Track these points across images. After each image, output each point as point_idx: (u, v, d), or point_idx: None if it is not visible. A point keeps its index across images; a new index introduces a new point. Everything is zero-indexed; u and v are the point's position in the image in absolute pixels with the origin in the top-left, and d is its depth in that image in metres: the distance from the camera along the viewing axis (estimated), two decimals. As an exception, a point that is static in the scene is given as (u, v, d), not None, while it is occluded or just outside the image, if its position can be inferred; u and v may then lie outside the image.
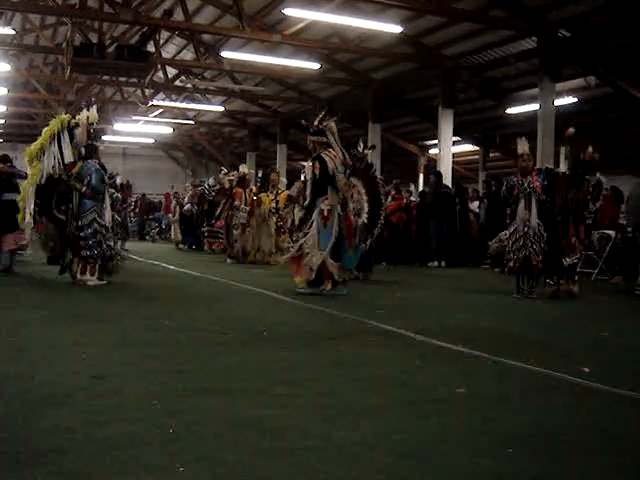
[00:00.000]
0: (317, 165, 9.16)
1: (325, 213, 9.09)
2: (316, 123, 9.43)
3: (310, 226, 9.15)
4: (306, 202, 9.38)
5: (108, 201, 9.66)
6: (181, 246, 21.52)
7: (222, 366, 4.78)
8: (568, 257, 9.32)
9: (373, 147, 13.87)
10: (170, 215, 29.23)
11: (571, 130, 9.81)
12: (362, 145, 11.81)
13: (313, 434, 3.33)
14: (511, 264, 9.37)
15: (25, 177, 10.36)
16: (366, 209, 9.58)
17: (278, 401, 3.90)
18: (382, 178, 11.93)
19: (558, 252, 9.25)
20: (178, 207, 21.90)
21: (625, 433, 3.53)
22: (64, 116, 10.22)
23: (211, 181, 19.58)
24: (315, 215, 9.17)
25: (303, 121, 10.53)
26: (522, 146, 9.57)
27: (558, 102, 16.72)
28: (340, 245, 9.12)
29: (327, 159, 9.13)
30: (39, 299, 8.28)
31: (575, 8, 15.19)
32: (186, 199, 21.69)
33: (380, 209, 9.89)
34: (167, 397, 3.91)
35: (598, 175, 9.98)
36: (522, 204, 9.27)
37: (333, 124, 9.54)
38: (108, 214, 9.62)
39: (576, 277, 9.71)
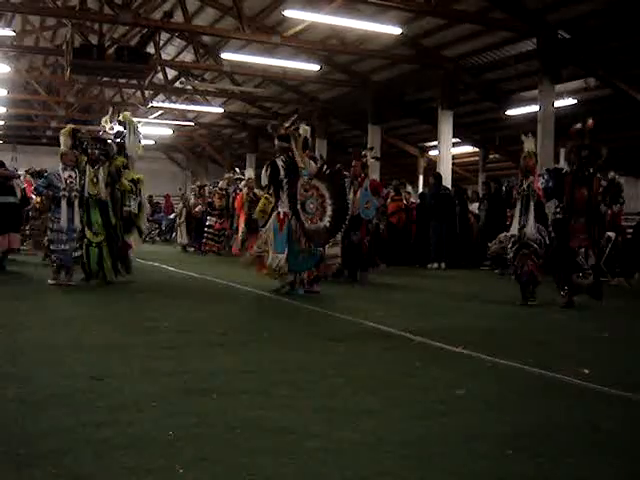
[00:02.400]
0: (268, 170, 9.41)
1: (282, 216, 9.26)
2: (284, 127, 9.57)
3: (266, 226, 9.44)
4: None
5: (64, 206, 9.60)
6: (189, 249, 20.65)
7: (222, 367, 4.78)
8: (585, 257, 8.42)
9: (372, 149, 13.87)
10: (171, 216, 29.31)
11: (590, 122, 8.92)
12: (368, 151, 11.93)
13: (313, 435, 3.33)
14: (512, 272, 9.00)
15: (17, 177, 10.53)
16: (329, 213, 9.43)
17: (278, 402, 3.90)
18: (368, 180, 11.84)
19: (566, 255, 8.50)
20: (185, 209, 21.23)
21: (624, 434, 3.53)
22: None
23: (221, 184, 19.58)
24: (272, 217, 9.38)
25: (269, 127, 10.61)
26: (528, 144, 9.13)
27: (558, 104, 16.73)
28: (291, 247, 9.21)
29: (280, 164, 9.34)
30: (36, 300, 8.27)
31: (575, 10, 15.21)
32: (192, 200, 21.08)
33: (345, 214, 9.70)
34: (167, 398, 3.90)
35: (612, 174, 9.42)
36: (518, 207, 8.83)
37: (305, 129, 9.76)
38: (63, 217, 9.59)
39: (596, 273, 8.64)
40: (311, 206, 9.33)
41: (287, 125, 9.73)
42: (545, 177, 8.98)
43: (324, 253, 9.92)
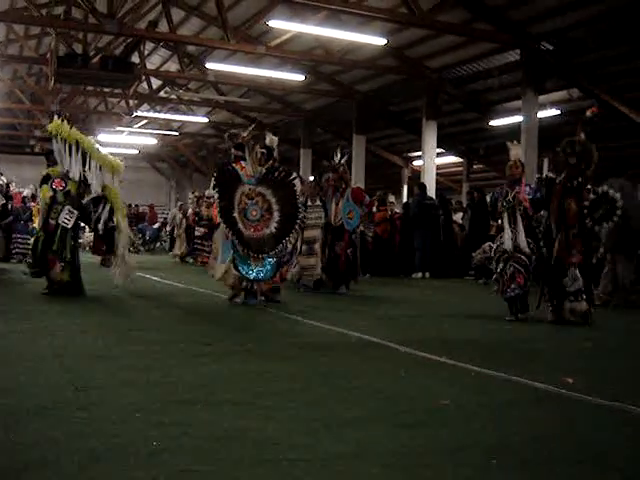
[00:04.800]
0: (214, 177, 9.49)
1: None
2: (241, 136, 9.62)
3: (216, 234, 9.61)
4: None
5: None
6: (187, 259, 20.14)
7: (206, 377, 4.77)
8: (572, 279, 7.97)
9: (347, 153, 13.80)
10: (155, 226, 29.25)
11: (594, 109, 8.63)
12: (339, 155, 11.84)
13: (297, 445, 3.33)
14: (496, 289, 8.49)
15: None
16: (276, 219, 9.35)
17: (262, 412, 3.89)
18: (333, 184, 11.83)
19: (556, 271, 8.09)
20: (184, 219, 20.86)
21: (608, 443, 3.54)
22: None
23: (208, 192, 19.44)
24: (221, 226, 9.41)
25: (226, 135, 10.64)
26: (515, 151, 8.68)
27: (541, 114, 16.86)
28: (239, 255, 9.20)
29: (221, 172, 9.40)
30: (20, 310, 8.22)
31: (558, 21, 15.32)
32: (191, 210, 20.59)
33: (294, 219, 9.59)
34: (150, 409, 3.89)
35: (606, 187, 8.50)
36: (505, 220, 8.34)
37: (272, 139, 9.90)
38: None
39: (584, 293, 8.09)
40: (254, 213, 9.15)
41: (244, 134, 9.73)
42: (533, 187, 8.61)
43: (289, 262, 9.91)
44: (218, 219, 9.45)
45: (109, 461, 3.04)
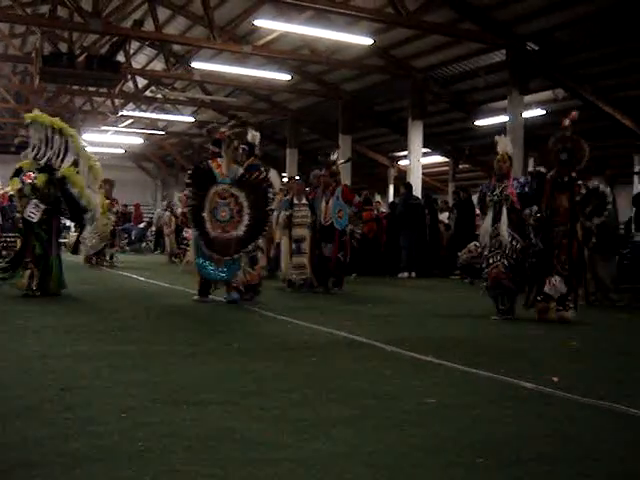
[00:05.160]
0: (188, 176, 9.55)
1: None
2: (219, 132, 9.61)
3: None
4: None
5: None
6: (174, 259, 19.72)
7: (192, 378, 4.76)
8: (555, 277, 7.95)
9: (349, 160, 13.81)
10: (141, 226, 29.13)
11: (574, 114, 8.45)
12: (336, 155, 11.85)
13: (283, 445, 3.32)
14: (484, 285, 8.48)
15: None
16: (245, 222, 9.30)
17: (249, 413, 3.88)
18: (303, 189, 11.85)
19: (541, 270, 8.07)
20: (173, 218, 20.55)
21: (594, 441, 3.55)
22: None
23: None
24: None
25: (205, 130, 10.63)
26: (502, 145, 8.53)
27: (526, 114, 16.93)
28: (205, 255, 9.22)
29: (195, 170, 9.46)
30: (3, 310, 8.19)
31: (543, 22, 15.39)
32: (180, 209, 20.57)
33: (263, 224, 9.53)
34: (136, 409, 3.88)
35: (596, 182, 8.42)
36: (490, 215, 8.30)
37: (254, 135, 9.90)
38: None
39: (570, 300, 8.10)
40: (223, 214, 9.14)
41: (223, 130, 9.68)
42: (521, 181, 8.51)
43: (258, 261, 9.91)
44: (187, 218, 9.48)
45: (94, 462, 3.03)
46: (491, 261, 8.26)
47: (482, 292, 8.65)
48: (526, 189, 8.27)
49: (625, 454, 3.37)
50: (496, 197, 8.28)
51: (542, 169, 8.39)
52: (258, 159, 9.87)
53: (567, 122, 8.32)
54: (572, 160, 8.12)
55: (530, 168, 9.15)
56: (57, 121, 9.65)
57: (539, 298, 8.14)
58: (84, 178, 9.52)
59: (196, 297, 9.58)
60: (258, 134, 10.21)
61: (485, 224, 8.42)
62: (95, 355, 5.47)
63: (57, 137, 9.51)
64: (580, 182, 8.19)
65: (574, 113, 8.34)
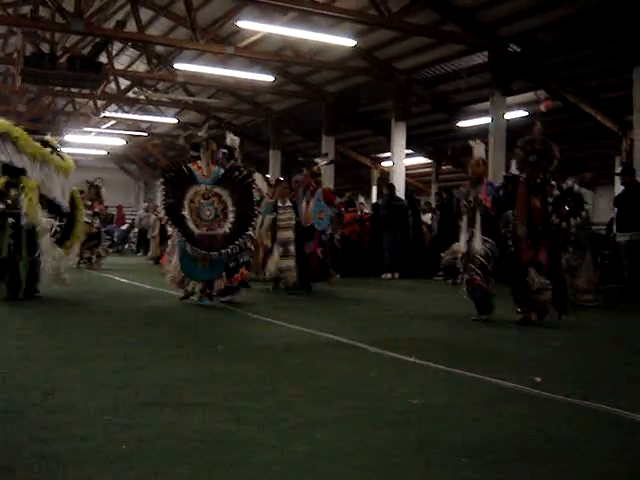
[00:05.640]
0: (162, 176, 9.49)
1: None
2: (199, 134, 9.61)
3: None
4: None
5: None
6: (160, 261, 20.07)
7: (175, 379, 4.74)
8: (533, 280, 7.81)
9: (326, 154, 13.90)
10: (123, 227, 29.02)
11: (548, 103, 8.53)
12: (326, 160, 11.90)
13: (267, 447, 3.32)
14: (464, 288, 8.35)
15: None
16: (230, 220, 9.33)
17: (232, 414, 3.88)
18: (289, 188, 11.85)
19: (520, 271, 7.92)
20: (158, 221, 20.20)
21: (576, 441, 3.57)
22: None
23: None
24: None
25: (182, 136, 10.60)
26: (477, 149, 8.51)
27: (509, 115, 17.02)
28: (186, 255, 9.17)
29: (172, 173, 9.37)
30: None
31: (525, 24, 15.49)
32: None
33: (249, 220, 9.55)
34: (119, 411, 3.86)
35: (571, 182, 8.33)
36: (465, 220, 8.22)
37: (233, 139, 9.97)
38: None
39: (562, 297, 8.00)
40: (207, 213, 9.14)
41: (200, 133, 9.69)
42: (496, 186, 8.42)
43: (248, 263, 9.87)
44: (164, 218, 9.43)
45: (77, 465, 3.01)
46: (467, 267, 8.19)
47: (454, 286, 8.61)
48: (500, 193, 8.18)
49: (608, 454, 3.39)
50: (470, 203, 8.20)
51: (515, 172, 8.29)
52: (238, 162, 9.90)
53: (542, 108, 8.29)
54: (542, 161, 7.98)
55: (512, 170, 9.06)
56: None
57: (519, 310, 8.08)
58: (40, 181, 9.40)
59: (184, 298, 9.56)
60: (237, 138, 10.24)
61: (462, 230, 8.31)
62: (78, 358, 5.45)
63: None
64: (553, 183, 8.07)
65: (548, 102, 8.29)
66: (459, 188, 8.95)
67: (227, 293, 9.51)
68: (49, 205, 9.57)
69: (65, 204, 9.77)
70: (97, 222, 16.70)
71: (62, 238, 9.81)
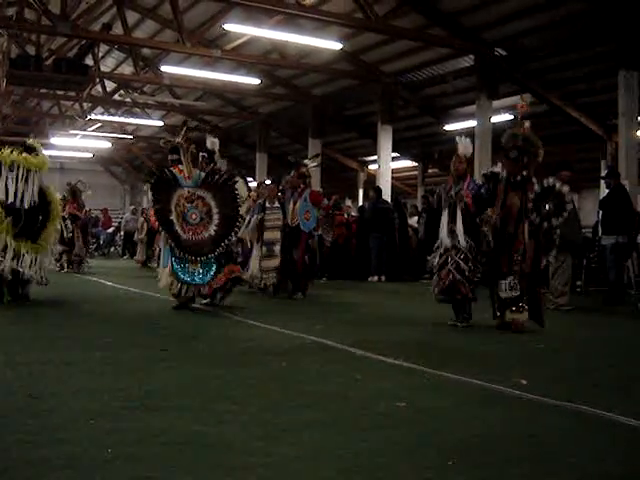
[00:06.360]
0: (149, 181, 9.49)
1: None
2: (177, 140, 9.58)
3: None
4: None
5: None
6: (150, 264, 19.09)
7: (161, 383, 4.73)
8: (505, 279, 7.61)
9: (317, 155, 13.93)
10: (109, 230, 28.91)
11: (523, 106, 8.14)
12: (316, 162, 11.91)
13: (253, 450, 3.32)
14: (435, 290, 8.18)
15: None
16: (215, 222, 9.34)
17: (218, 418, 3.87)
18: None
19: (496, 274, 7.76)
20: (145, 224, 20.09)
21: (561, 443, 3.59)
22: None
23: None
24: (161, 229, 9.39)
25: (161, 142, 10.59)
26: (462, 147, 8.26)
27: (495, 119, 17.06)
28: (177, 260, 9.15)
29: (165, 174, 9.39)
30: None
31: (511, 28, 15.57)
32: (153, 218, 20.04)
33: (234, 221, 9.55)
34: (105, 415, 3.85)
35: (552, 180, 7.98)
36: (445, 216, 8.08)
37: (213, 142, 9.96)
38: None
39: (520, 304, 7.66)
40: (193, 217, 9.17)
41: (178, 139, 9.67)
42: (478, 183, 8.23)
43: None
44: (156, 223, 9.41)
45: (62, 469, 3.00)
46: (444, 261, 8.02)
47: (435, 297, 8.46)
48: (482, 190, 8.00)
49: (593, 455, 3.41)
50: (451, 198, 8.09)
51: (496, 169, 8.12)
52: (217, 165, 9.94)
53: (520, 110, 8.22)
54: (522, 158, 7.75)
55: (483, 170, 8.91)
56: None
57: (498, 314, 7.91)
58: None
59: (178, 308, 9.36)
60: (217, 140, 10.23)
61: (441, 224, 8.17)
62: (63, 361, 5.42)
63: None
64: (534, 180, 7.82)
65: (523, 107, 8.12)
66: (442, 185, 8.77)
67: (212, 295, 9.49)
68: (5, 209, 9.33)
69: (29, 200, 9.50)
70: (69, 226, 16.41)
71: (37, 231, 9.63)
